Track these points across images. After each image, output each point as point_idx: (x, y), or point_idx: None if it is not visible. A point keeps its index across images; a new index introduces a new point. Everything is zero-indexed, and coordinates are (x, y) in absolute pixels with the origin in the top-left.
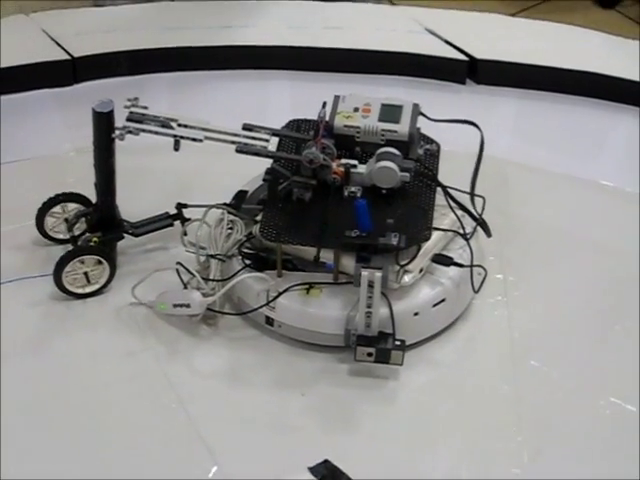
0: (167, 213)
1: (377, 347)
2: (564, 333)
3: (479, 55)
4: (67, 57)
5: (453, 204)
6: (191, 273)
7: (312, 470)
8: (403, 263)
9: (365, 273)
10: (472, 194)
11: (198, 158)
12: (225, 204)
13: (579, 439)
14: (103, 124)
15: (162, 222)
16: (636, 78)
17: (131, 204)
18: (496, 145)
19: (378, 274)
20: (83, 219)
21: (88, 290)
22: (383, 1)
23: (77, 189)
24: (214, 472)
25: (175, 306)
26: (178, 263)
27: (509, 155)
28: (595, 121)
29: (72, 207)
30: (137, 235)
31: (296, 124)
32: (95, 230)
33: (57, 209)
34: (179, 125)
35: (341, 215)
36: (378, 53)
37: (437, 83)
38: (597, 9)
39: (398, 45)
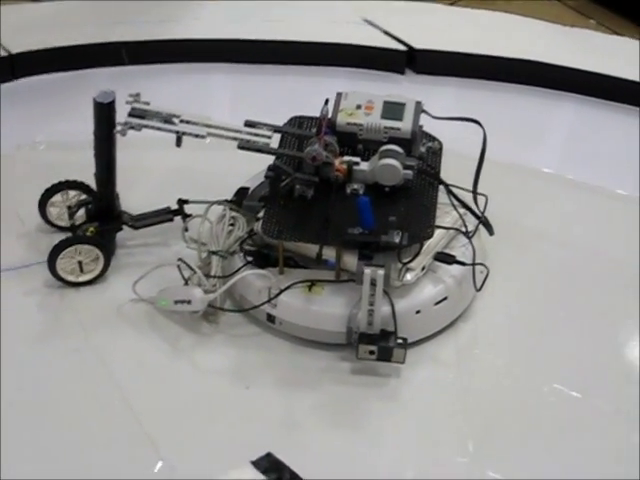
0: (168, 208)
1: (379, 345)
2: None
3: (418, 45)
4: (5, 53)
5: (455, 202)
6: (192, 269)
7: (255, 464)
8: (405, 261)
9: (367, 271)
10: (475, 192)
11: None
12: (227, 200)
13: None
14: (104, 114)
15: (162, 216)
16: (575, 66)
17: (133, 198)
18: (438, 134)
19: (380, 272)
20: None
21: (81, 279)
22: None
23: (22, 187)
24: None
25: (176, 302)
26: (179, 259)
27: (451, 145)
28: (535, 108)
29: (75, 195)
30: (136, 228)
31: (298, 121)
32: (94, 220)
33: (59, 197)
34: (181, 121)
35: (343, 212)
36: (318, 45)
37: (377, 73)
38: None
39: (338, 36)
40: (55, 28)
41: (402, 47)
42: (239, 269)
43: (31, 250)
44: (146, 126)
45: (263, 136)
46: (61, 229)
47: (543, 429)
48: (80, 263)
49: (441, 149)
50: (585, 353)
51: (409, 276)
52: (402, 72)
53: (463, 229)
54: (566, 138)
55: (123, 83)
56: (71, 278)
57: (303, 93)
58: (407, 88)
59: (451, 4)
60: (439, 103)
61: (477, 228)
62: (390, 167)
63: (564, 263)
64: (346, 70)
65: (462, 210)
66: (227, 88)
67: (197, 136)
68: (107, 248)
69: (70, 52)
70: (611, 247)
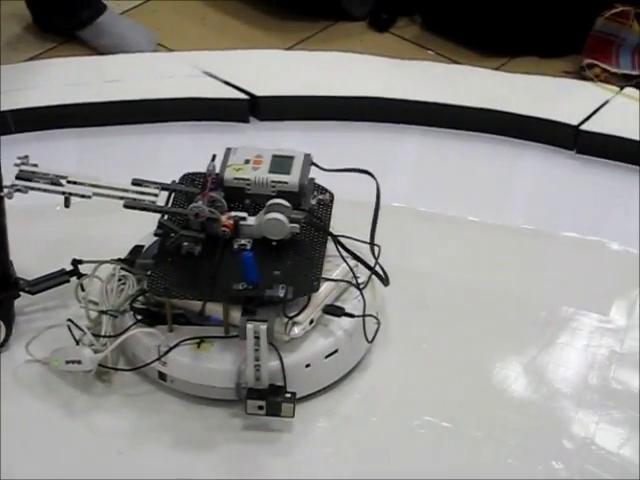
0: (63, 269)
1: (267, 400)
2: None
3: (259, 92)
4: None
5: (345, 253)
6: (81, 329)
7: None
8: (292, 315)
9: (250, 326)
10: (371, 243)
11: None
12: (119, 259)
13: None
14: None
15: (58, 278)
16: (416, 98)
17: (27, 264)
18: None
19: (263, 326)
20: None
21: None
22: (159, 49)
23: None
24: None
25: (67, 362)
26: (69, 319)
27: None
28: (381, 144)
29: None
30: (33, 293)
31: (190, 177)
32: None
33: None
34: (68, 182)
35: (230, 268)
36: (160, 101)
37: (221, 124)
38: (372, 33)
39: (178, 91)
40: None
41: (244, 96)
42: (129, 327)
43: None
44: (32, 188)
45: (150, 194)
46: None
47: None
48: None
49: (332, 201)
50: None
51: (297, 330)
52: (246, 120)
53: (353, 281)
54: (414, 172)
55: None
56: None
57: (147, 151)
58: (253, 136)
59: (288, 48)
60: (288, 147)
61: (369, 279)
62: (276, 221)
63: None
64: (191, 124)
65: (353, 262)
66: (74, 153)
67: (83, 196)
68: (7, 317)
69: None
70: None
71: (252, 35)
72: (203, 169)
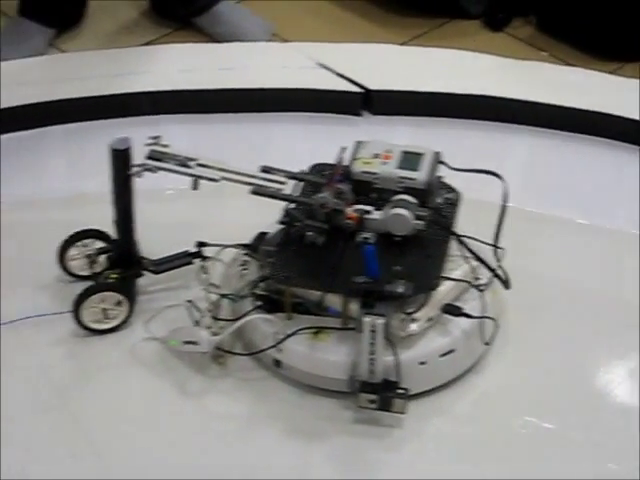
0: (187, 251)
1: (380, 394)
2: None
3: (372, 86)
4: None
5: (468, 254)
6: (199, 311)
7: None
8: (410, 311)
9: (367, 319)
10: (495, 245)
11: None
12: (243, 245)
13: None
14: (120, 161)
15: (182, 260)
16: (528, 98)
17: (152, 244)
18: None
19: (380, 321)
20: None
21: (106, 326)
22: (274, 39)
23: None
24: None
25: (185, 343)
26: (188, 301)
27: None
28: (491, 143)
29: (94, 244)
30: (157, 272)
31: (319, 168)
32: (115, 267)
33: (79, 246)
34: (198, 165)
35: (351, 260)
36: (272, 91)
37: (333, 117)
38: (487, 33)
39: (292, 82)
40: (9, 87)
41: (357, 89)
42: (247, 312)
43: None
44: (162, 169)
45: (277, 182)
46: (81, 278)
47: None
48: (105, 310)
49: (458, 200)
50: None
51: (414, 326)
52: (359, 114)
53: (474, 282)
54: (524, 171)
55: (76, 139)
56: (96, 326)
57: (257, 141)
58: (364, 130)
59: (403, 44)
60: (398, 143)
61: (490, 281)
62: (400, 217)
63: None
64: (303, 115)
65: (475, 263)
66: (182, 139)
67: (211, 180)
68: (131, 294)
69: (25, 111)
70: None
71: (366, 29)
72: (312, 161)
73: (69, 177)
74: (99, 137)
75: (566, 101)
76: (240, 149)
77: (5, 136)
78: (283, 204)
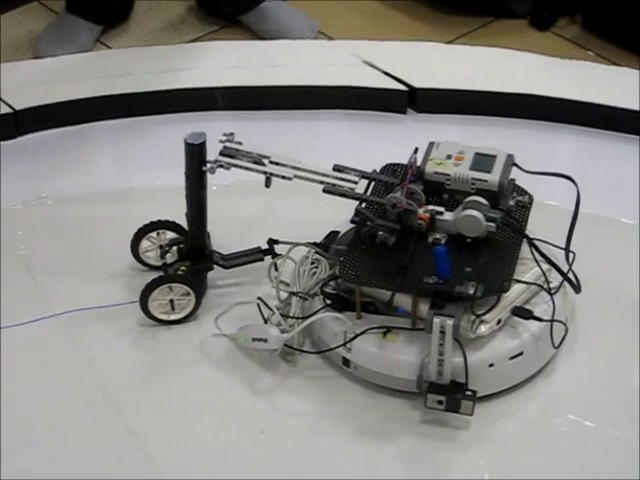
0: (259, 247)
1: (448, 395)
2: None
3: (418, 84)
4: (9, 110)
5: (539, 257)
6: (270, 309)
7: None
8: (479, 313)
9: (437, 320)
10: (567, 249)
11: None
12: (314, 243)
13: None
14: (194, 155)
15: (253, 256)
16: (575, 98)
17: (223, 238)
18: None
19: (450, 322)
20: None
21: (173, 317)
22: (320, 37)
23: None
24: None
25: (254, 340)
26: (258, 298)
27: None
28: (537, 142)
29: (166, 235)
30: (227, 267)
31: (392, 168)
32: (185, 259)
33: (151, 236)
34: (271, 162)
35: (422, 261)
36: (318, 88)
37: (378, 114)
38: (532, 32)
39: (338, 79)
40: (58, 83)
41: (402, 87)
42: (317, 311)
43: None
44: (235, 165)
45: (349, 181)
46: (152, 268)
47: None
48: (172, 301)
49: (531, 203)
50: None
51: (483, 328)
52: (404, 112)
53: (545, 285)
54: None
55: (123, 135)
56: (163, 317)
57: (302, 137)
58: (409, 128)
59: (448, 42)
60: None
61: (561, 285)
62: (472, 218)
63: None
64: (348, 112)
65: (546, 266)
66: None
67: (284, 177)
68: (198, 287)
69: (72, 106)
70: None
71: (412, 27)
72: (357, 158)
73: (117, 172)
74: (146, 133)
75: (613, 101)
76: (286, 146)
77: (53, 131)
78: (354, 203)
